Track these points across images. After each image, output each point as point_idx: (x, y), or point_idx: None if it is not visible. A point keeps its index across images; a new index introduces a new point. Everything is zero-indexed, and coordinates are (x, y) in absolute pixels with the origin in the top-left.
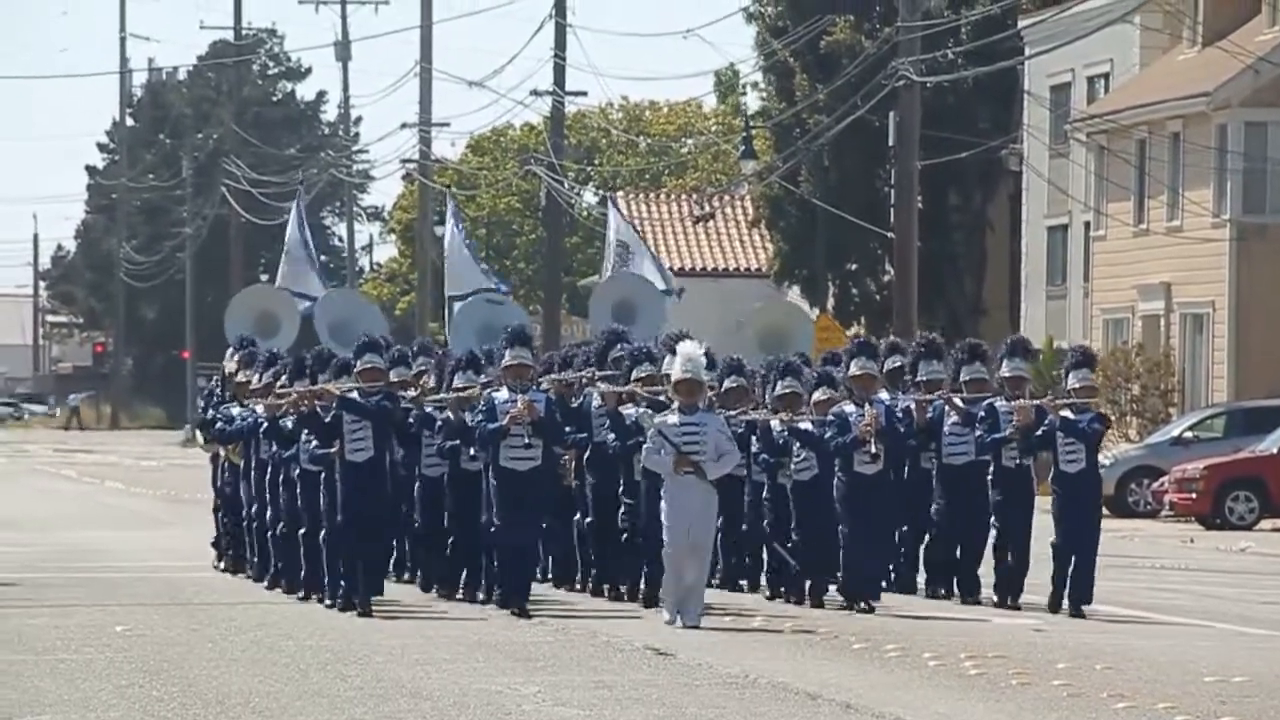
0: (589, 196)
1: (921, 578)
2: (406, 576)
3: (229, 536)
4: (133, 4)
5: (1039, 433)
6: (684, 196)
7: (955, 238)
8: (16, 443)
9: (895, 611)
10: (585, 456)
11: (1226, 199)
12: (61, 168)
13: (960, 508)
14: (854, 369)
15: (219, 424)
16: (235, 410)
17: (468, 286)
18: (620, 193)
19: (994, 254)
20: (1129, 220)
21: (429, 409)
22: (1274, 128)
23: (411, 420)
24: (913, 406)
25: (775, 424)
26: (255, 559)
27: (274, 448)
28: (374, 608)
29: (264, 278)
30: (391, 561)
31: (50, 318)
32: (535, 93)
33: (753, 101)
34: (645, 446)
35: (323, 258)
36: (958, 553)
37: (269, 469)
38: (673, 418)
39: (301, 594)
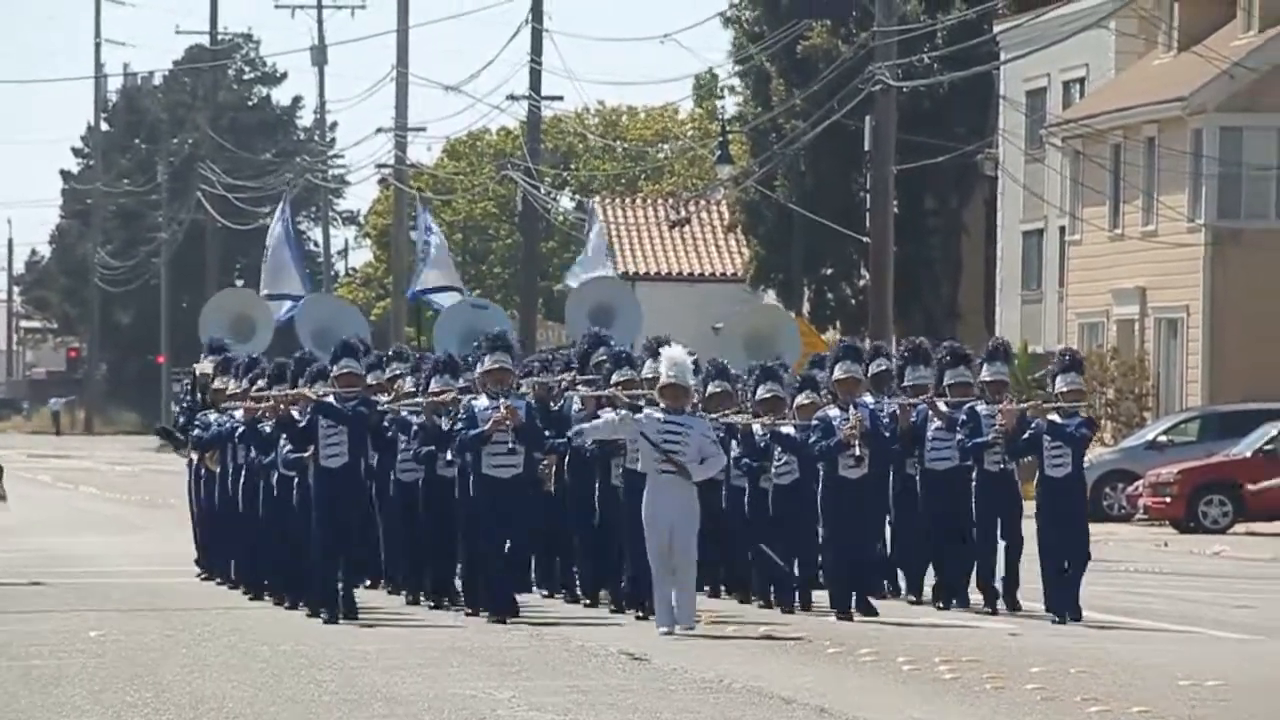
0: (565, 201)
1: (904, 583)
2: (382, 582)
3: (206, 543)
4: (108, 9)
5: (1025, 436)
6: (660, 201)
7: (931, 242)
8: None
9: (875, 617)
10: (565, 461)
11: (1201, 204)
12: (36, 172)
13: (944, 513)
14: (838, 372)
15: (196, 430)
16: (213, 416)
17: (442, 288)
18: (596, 197)
19: (969, 259)
20: (1104, 225)
21: (405, 414)
22: (1249, 133)
23: (387, 425)
24: (897, 411)
25: (757, 428)
26: (233, 565)
27: (252, 453)
28: (350, 613)
29: (239, 282)
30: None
31: (24, 323)
32: (512, 97)
33: (729, 106)
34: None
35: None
36: (942, 558)
37: (245, 474)
38: (657, 413)
39: (281, 601)
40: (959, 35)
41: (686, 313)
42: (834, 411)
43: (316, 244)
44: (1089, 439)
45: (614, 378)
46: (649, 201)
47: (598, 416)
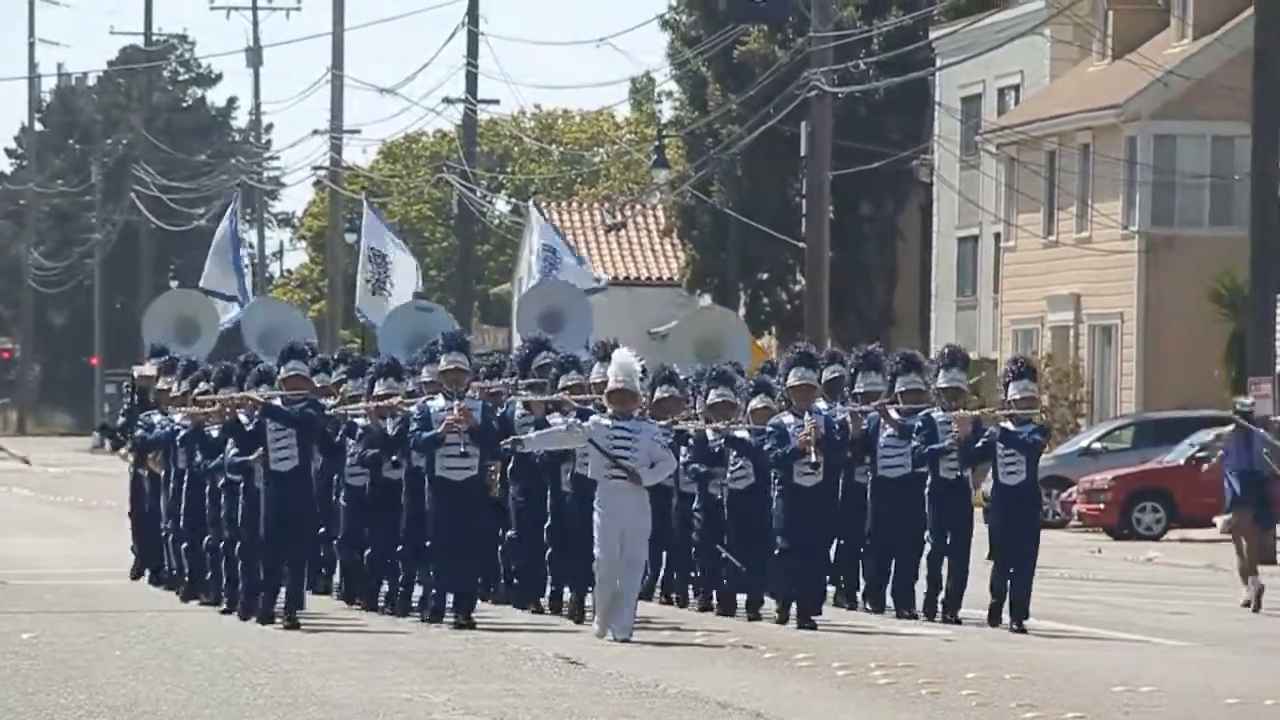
0: (501, 205)
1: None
2: (325, 587)
3: (146, 548)
4: (42, 9)
5: (979, 444)
6: (596, 205)
7: (867, 248)
8: None
9: (821, 624)
10: (509, 467)
11: (1135, 211)
12: None
13: (895, 521)
14: (793, 379)
15: (139, 433)
16: (155, 418)
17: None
18: (531, 200)
19: (905, 264)
20: (1039, 231)
21: (351, 417)
22: (1183, 140)
23: (333, 428)
24: (848, 418)
25: (710, 433)
26: (173, 569)
27: (199, 456)
28: (296, 618)
29: (174, 284)
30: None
31: None
32: (447, 100)
33: (666, 110)
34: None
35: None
36: (892, 566)
37: (188, 478)
38: (605, 420)
39: (223, 606)
40: (895, 41)
41: (622, 317)
42: (789, 418)
43: (252, 245)
44: (1042, 446)
45: (561, 382)
46: (585, 205)
47: (546, 423)
